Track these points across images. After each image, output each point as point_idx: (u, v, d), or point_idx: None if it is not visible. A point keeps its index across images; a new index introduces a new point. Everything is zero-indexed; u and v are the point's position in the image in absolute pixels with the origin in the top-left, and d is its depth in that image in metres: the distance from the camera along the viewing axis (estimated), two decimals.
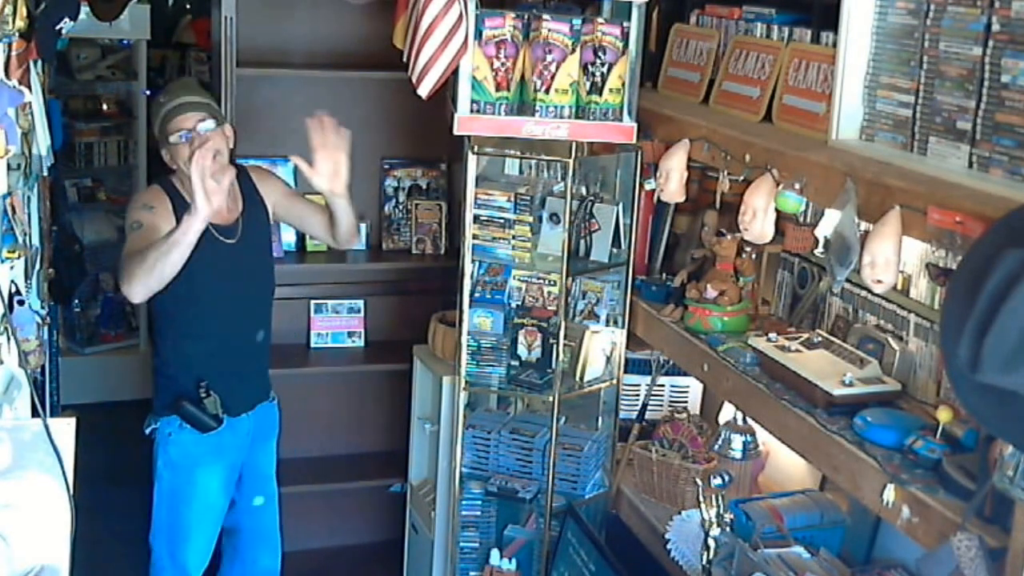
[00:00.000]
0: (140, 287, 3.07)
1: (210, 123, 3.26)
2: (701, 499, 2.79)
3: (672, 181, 3.14)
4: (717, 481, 2.82)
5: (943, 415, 2.29)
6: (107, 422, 5.46)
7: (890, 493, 2.22)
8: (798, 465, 3.13)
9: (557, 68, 3.13)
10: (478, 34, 3.13)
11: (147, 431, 3.46)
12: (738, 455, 3.21)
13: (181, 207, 3.23)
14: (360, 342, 4.59)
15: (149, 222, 3.24)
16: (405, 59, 3.25)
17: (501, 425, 3.61)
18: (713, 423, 3.46)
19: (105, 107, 6.60)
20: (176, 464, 3.42)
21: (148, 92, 6.60)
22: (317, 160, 3.23)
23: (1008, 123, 2.22)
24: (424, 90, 3.14)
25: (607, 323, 3.51)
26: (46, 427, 1.90)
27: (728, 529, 2.81)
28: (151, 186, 3.45)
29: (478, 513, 3.60)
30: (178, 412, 3.34)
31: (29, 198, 3.12)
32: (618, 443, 3.59)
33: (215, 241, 3.27)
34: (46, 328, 3.11)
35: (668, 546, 3.08)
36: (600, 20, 3.19)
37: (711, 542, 2.78)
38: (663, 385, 3.69)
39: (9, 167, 2.44)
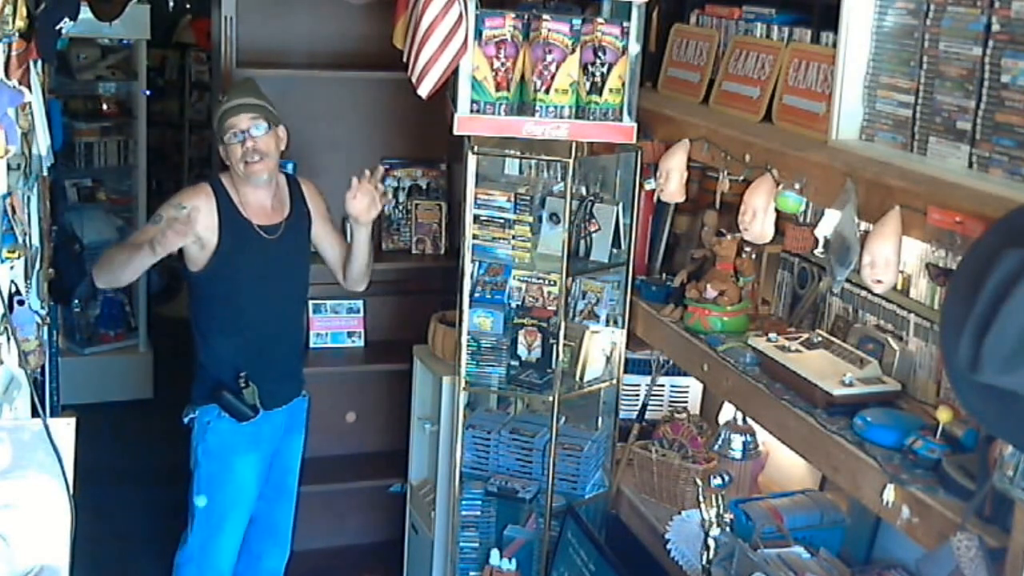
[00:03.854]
0: (103, 275, 3.37)
1: (263, 126, 3.39)
2: (701, 499, 2.79)
3: (672, 181, 3.14)
4: (717, 481, 2.82)
5: (943, 415, 2.29)
6: (107, 422, 5.46)
7: (890, 493, 2.22)
8: (798, 465, 3.13)
9: (557, 68, 3.13)
10: (478, 34, 3.13)
11: (186, 420, 3.54)
12: (738, 455, 3.21)
13: (227, 208, 3.42)
14: (360, 342, 4.59)
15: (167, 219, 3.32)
16: (405, 59, 3.25)
17: (501, 425, 3.61)
18: (713, 423, 3.46)
19: (105, 107, 6.61)
20: (213, 452, 3.49)
21: (148, 92, 6.61)
22: (360, 190, 3.42)
23: (1008, 123, 2.22)
24: (424, 90, 3.14)
25: (607, 323, 3.51)
26: (46, 427, 1.90)
27: (728, 529, 2.80)
28: (200, 183, 3.50)
29: (478, 513, 3.60)
30: (217, 401, 3.41)
31: (29, 198, 3.12)
32: (618, 443, 3.59)
33: (258, 238, 3.44)
34: (46, 328, 3.11)
35: (668, 546, 3.08)
36: (600, 20, 3.19)
37: (711, 542, 2.78)
38: (663, 385, 3.69)
39: (9, 167, 2.44)
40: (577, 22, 3.13)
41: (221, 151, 3.45)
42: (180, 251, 3.38)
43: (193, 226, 3.22)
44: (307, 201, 3.62)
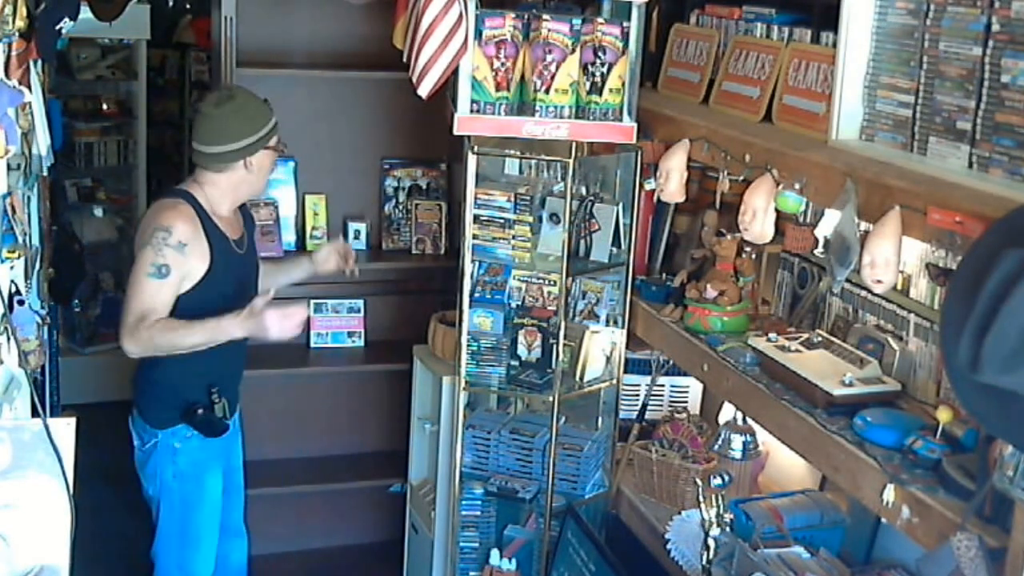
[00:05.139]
0: (144, 352, 3.23)
1: None
2: (701, 499, 2.79)
3: (672, 181, 3.14)
4: (717, 481, 2.82)
5: (943, 415, 2.29)
6: (107, 422, 5.45)
7: (890, 493, 2.22)
8: (798, 465, 3.13)
9: (557, 68, 3.13)
10: (478, 34, 3.13)
11: (144, 446, 3.42)
12: (738, 455, 3.21)
13: (210, 227, 3.25)
14: (360, 342, 4.59)
15: (178, 269, 3.17)
16: (405, 59, 3.25)
17: (501, 425, 3.61)
18: (713, 423, 3.46)
19: (105, 107, 6.61)
20: (186, 474, 3.39)
21: None
22: (336, 251, 3.60)
23: (1008, 123, 2.22)
24: (424, 90, 3.14)
25: (607, 323, 3.51)
26: (46, 427, 1.90)
27: (728, 529, 2.80)
28: (178, 203, 3.23)
29: (478, 513, 3.60)
30: (190, 420, 3.31)
31: (29, 198, 3.13)
32: (618, 443, 3.59)
33: (234, 254, 3.35)
34: (46, 328, 3.11)
35: (668, 546, 3.08)
36: (600, 20, 3.19)
37: (711, 542, 2.78)
38: (663, 385, 3.69)
39: (9, 167, 2.45)
40: (577, 22, 3.13)
41: (248, 163, 3.26)
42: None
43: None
44: (250, 213, 3.58)
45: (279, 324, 3.14)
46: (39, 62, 3.12)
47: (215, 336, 3.18)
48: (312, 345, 4.53)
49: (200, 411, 3.30)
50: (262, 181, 3.36)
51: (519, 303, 3.47)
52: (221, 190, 3.30)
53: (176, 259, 3.15)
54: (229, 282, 3.32)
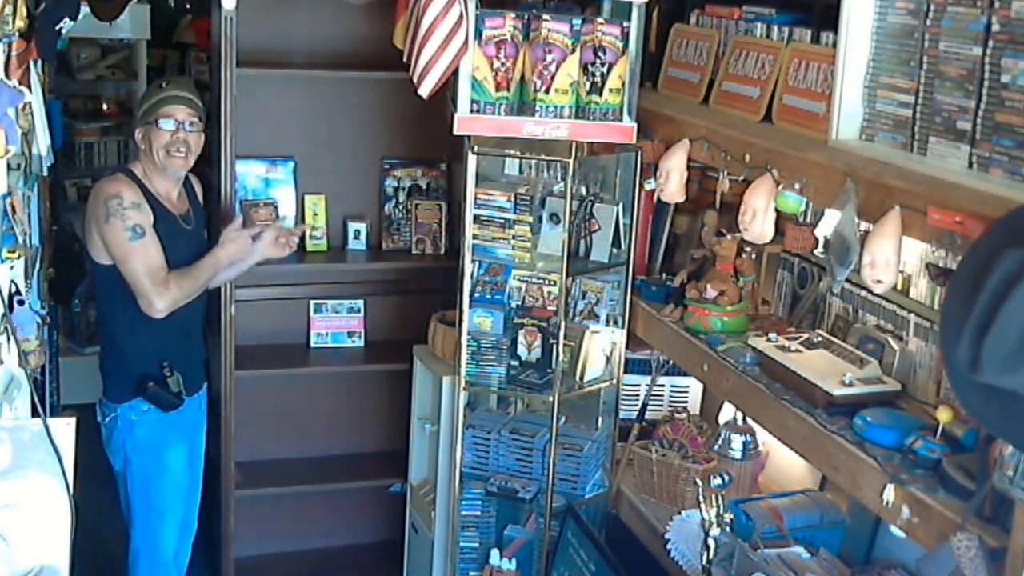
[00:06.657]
0: (174, 305, 3.34)
1: (197, 123, 3.46)
2: (701, 499, 2.79)
3: (672, 181, 3.14)
4: (717, 481, 2.82)
5: (943, 415, 2.29)
6: None
7: (890, 493, 2.22)
8: (798, 465, 3.14)
9: (557, 68, 3.13)
10: (478, 34, 3.13)
11: (105, 422, 3.51)
12: (738, 455, 3.21)
13: (152, 199, 3.43)
14: (360, 342, 4.59)
15: (146, 225, 3.35)
16: (405, 59, 3.26)
17: (501, 425, 3.61)
18: (713, 423, 3.47)
19: (105, 107, 6.62)
20: (144, 446, 3.48)
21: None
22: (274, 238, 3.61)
23: (1008, 123, 2.22)
24: (425, 90, 3.14)
25: (607, 323, 3.51)
26: (46, 427, 1.90)
27: (728, 529, 2.81)
28: (119, 176, 3.42)
29: (478, 513, 3.60)
30: (143, 393, 3.42)
31: (29, 198, 3.13)
32: (618, 443, 3.59)
33: (181, 228, 3.49)
34: (46, 328, 3.11)
35: (668, 546, 3.08)
36: (600, 20, 3.19)
37: (711, 542, 2.79)
38: (663, 385, 3.69)
39: (9, 167, 2.45)
40: (577, 22, 3.13)
41: (139, 135, 3.46)
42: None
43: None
44: (198, 197, 3.68)
45: (273, 246, 3.57)
46: (39, 62, 3.13)
47: (215, 268, 3.48)
48: (312, 345, 4.53)
49: (151, 384, 3.41)
50: (158, 157, 3.41)
51: (519, 303, 3.47)
52: (144, 162, 3.46)
53: (140, 216, 3.33)
54: (174, 254, 3.41)
